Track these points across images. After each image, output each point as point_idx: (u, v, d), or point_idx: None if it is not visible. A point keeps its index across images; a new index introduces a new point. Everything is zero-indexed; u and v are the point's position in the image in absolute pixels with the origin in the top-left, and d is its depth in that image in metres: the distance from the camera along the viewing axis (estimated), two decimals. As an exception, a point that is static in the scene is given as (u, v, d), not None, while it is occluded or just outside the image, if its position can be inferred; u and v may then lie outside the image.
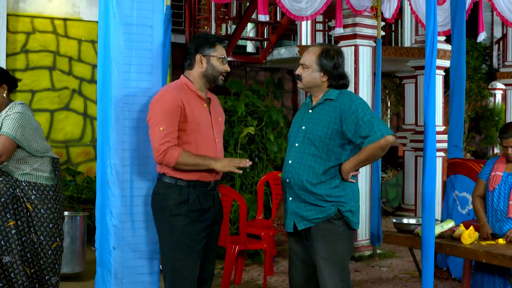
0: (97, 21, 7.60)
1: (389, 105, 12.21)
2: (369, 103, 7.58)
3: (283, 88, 10.49)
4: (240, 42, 12.11)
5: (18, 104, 4.18)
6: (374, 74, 7.42)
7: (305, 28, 10.10)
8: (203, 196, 3.70)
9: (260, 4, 6.80)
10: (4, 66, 6.94)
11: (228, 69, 3.83)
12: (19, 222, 4.12)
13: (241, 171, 3.70)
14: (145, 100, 3.84)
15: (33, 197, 4.14)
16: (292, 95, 10.88)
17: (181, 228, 3.64)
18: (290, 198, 3.81)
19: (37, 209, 4.15)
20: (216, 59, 3.77)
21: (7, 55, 7.08)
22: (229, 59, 9.36)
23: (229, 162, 3.69)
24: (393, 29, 10.93)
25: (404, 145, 10.19)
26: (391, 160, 11.62)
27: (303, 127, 3.83)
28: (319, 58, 3.80)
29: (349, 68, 7.63)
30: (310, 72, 3.82)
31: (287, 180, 3.81)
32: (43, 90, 7.34)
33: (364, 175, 7.60)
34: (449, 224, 4.90)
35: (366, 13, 7.39)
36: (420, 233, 4.77)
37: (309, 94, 3.96)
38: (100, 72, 3.87)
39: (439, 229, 4.83)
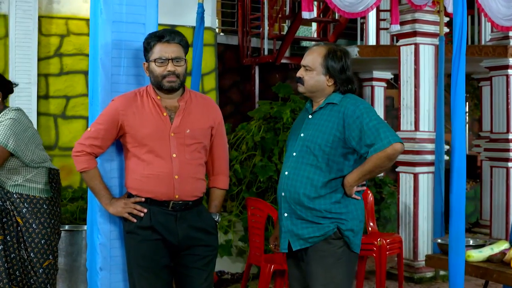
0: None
1: (467, 110, 11.67)
2: (431, 109, 7.19)
3: (344, 92, 10.15)
4: (304, 44, 11.86)
5: (13, 110, 4.10)
6: (437, 75, 7.02)
7: (370, 27, 9.79)
8: (158, 215, 3.49)
9: (304, 0, 6.56)
10: (35, 71, 6.96)
11: (170, 68, 3.43)
12: (7, 237, 4.02)
13: (135, 220, 3.47)
14: (135, 106, 3.64)
15: (24, 210, 4.04)
16: (356, 99, 10.51)
17: (133, 247, 3.51)
18: (286, 214, 3.55)
19: (29, 223, 4.04)
20: (153, 63, 3.47)
21: (40, 59, 7.08)
22: (284, 61, 9.19)
23: (123, 207, 3.50)
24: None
25: (479, 153, 9.72)
26: (469, 170, 11.06)
27: (302, 134, 3.57)
28: (325, 59, 3.52)
29: (408, 70, 7.29)
30: (314, 75, 3.54)
31: (283, 194, 3.55)
32: (78, 96, 7.31)
33: (426, 188, 7.21)
34: (501, 247, 4.51)
35: (427, 8, 7.03)
36: (465, 256, 4.42)
37: (309, 98, 3.68)
38: (90, 76, 3.72)
39: (488, 251, 4.46)
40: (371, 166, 3.38)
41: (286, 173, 3.56)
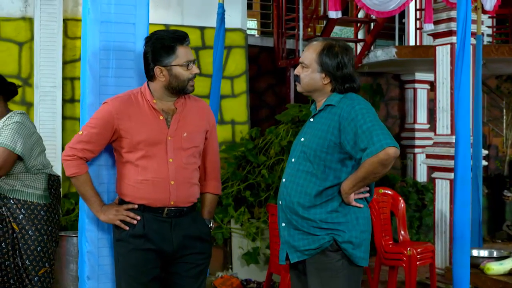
0: (164, 24, 7.52)
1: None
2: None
3: (384, 95, 9.90)
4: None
5: (17, 113, 4.05)
6: (474, 76, 6.74)
7: (410, 27, 9.53)
8: (152, 222, 3.37)
9: (331, 0, 6.40)
10: (60, 74, 6.95)
11: (197, 71, 3.37)
12: (2, 244, 3.98)
13: (127, 227, 3.35)
14: (125, 109, 3.53)
15: (21, 216, 3.98)
16: (399, 103, 10.24)
17: (122, 255, 3.39)
18: (283, 224, 3.38)
19: (25, 230, 3.98)
20: (180, 67, 3.34)
21: (65, 62, 7.06)
22: (321, 63, 8.99)
23: (114, 214, 3.38)
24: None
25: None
26: (520, 176, 10.67)
27: (302, 139, 3.39)
28: (319, 55, 3.31)
29: (444, 71, 7.02)
30: (309, 73, 3.34)
31: (280, 203, 3.39)
32: (105, 100, 7.29)
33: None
34: (524, 259, 4.26)
35: (463, 6, 6.76)
36: (485, 268, 4.20)
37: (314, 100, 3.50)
38: (81, 78, 3.64)
39: (509, 264, 4.23)
40: (364, 173, 3.17)
41: (284, 180, 3.41)
